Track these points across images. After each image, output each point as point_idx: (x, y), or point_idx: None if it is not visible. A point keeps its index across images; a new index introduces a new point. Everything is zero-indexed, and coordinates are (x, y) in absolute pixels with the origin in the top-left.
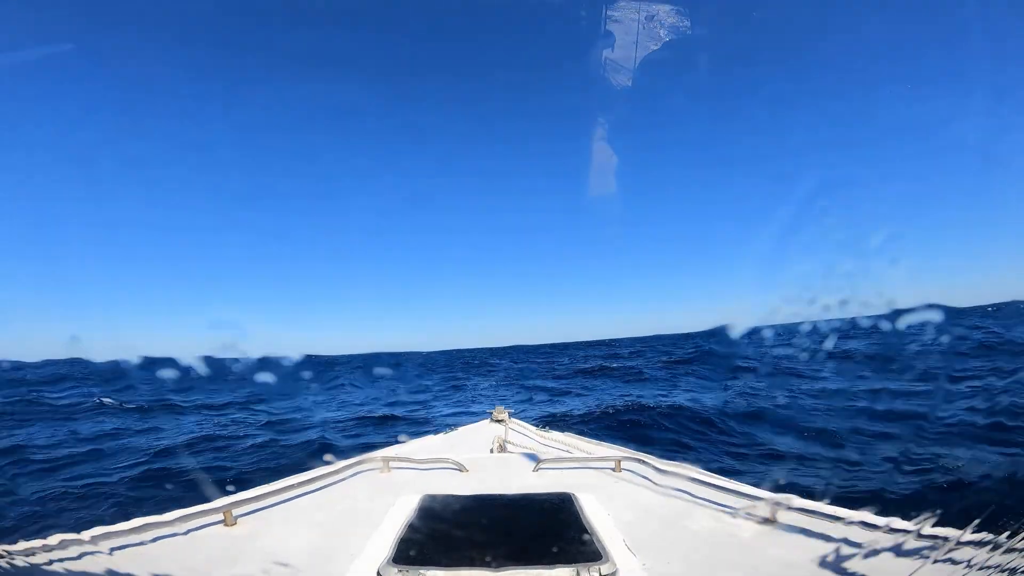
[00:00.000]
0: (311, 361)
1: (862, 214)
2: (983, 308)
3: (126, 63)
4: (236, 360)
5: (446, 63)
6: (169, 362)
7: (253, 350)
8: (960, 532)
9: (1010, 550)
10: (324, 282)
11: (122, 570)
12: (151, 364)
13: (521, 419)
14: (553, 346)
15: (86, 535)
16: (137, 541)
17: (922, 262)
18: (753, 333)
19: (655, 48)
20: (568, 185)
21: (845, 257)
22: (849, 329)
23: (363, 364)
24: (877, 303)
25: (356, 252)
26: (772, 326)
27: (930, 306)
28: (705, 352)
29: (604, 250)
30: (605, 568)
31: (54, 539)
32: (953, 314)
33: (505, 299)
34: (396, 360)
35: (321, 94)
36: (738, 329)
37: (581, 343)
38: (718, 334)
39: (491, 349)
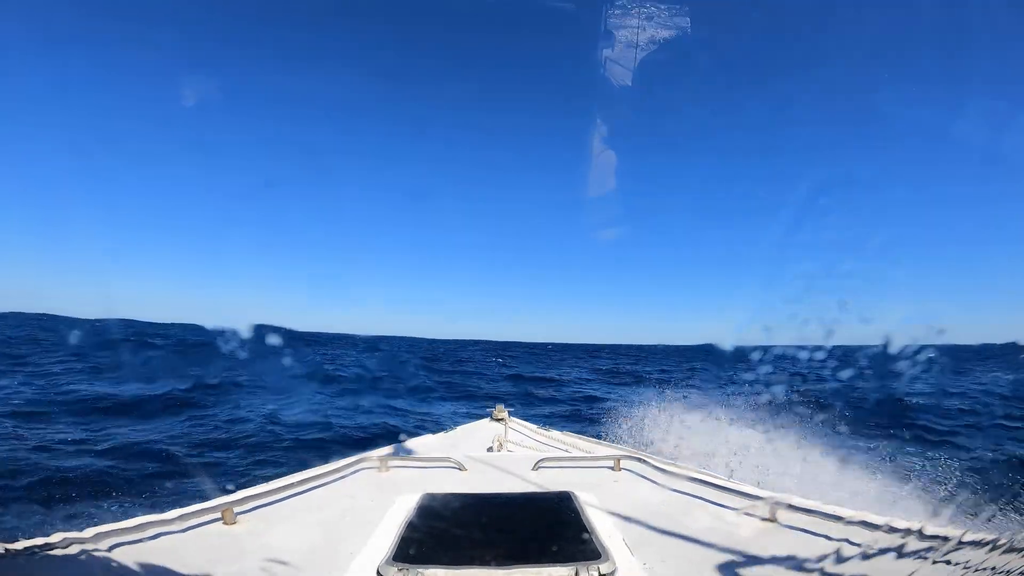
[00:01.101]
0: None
1: (866, 223)
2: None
3: (126, 56)
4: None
5: (444, 61)
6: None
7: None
8: (960, 532)
9: (1010, 550)
10: (319, 270)
11: (123, 568)
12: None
13: (521, 418)
14: (546, 346)
15: (87, 533)
16: (137, 539)
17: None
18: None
19: (656, 48)
20: (566, 184)
21: (852, 276)
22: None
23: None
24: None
25: (353, 247)
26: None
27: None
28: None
29: (601, 250)
30: (604, 567)
31: (55, 537)
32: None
33: (498, 294)
34: (374, 346)
35: (319, 88)
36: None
37: (573, 345)
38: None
39: (480, 342)
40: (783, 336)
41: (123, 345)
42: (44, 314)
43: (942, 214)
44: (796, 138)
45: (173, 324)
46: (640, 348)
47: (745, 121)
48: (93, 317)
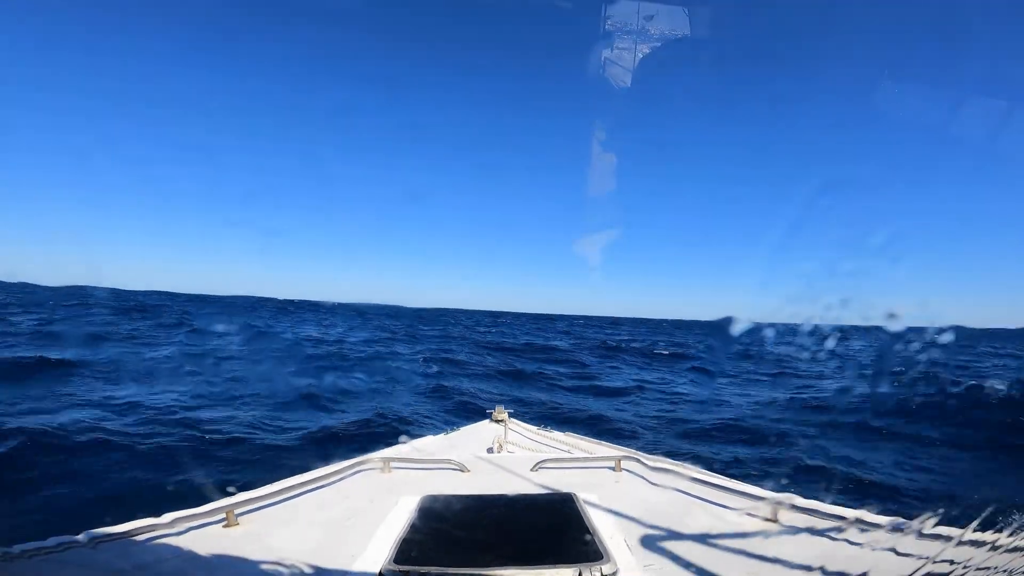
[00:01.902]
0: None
1: (866, 214)
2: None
3: (127, 59)
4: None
5: (444, 61)
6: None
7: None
8: (960, 532)
9: (1010, 550)
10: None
11: (124, 571)
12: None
13: (521, 419)
14: (545, 316)
15: (84, 536)
16: (137, 542)
17: (938, 275)
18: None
19: (655, 48)
20: (566, 183)
21: (849, 259)
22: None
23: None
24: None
25: (356, 248)
26: (772, 324)
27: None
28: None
29: (602, 248)
30: (606, 568)
31: (51, 541)
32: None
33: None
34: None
35: (320, 88)
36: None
37: (569, 316)
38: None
39: (474, 312)
40: (792, 315)
41: (67, 309)
42: (25, 283)
43: (963, 199)
44: (799, 129)
45: (149, 292)
46: (674, 322)
47: (747, 116)
48: (78, 284)
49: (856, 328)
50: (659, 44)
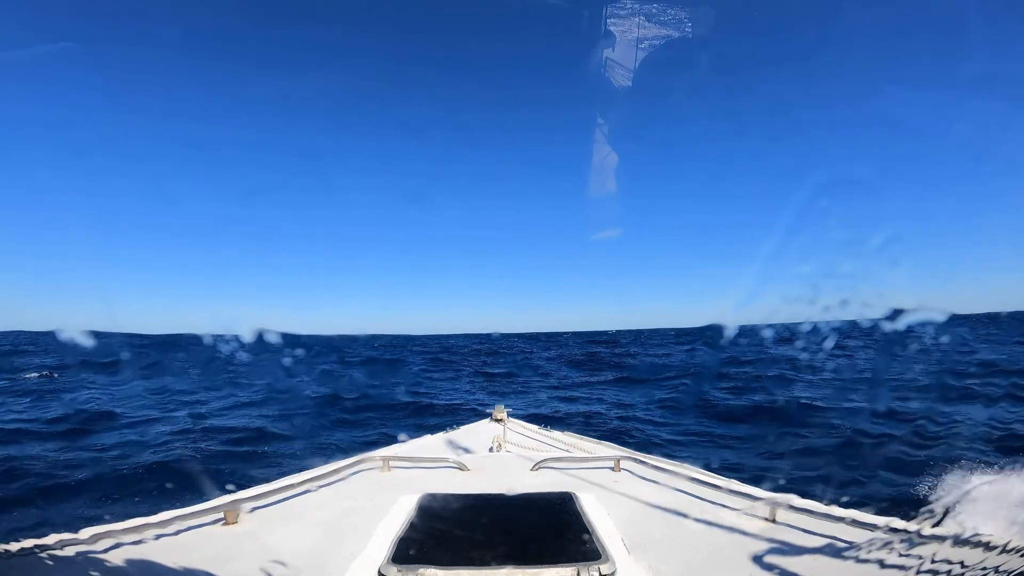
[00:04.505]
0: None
1: (865, 215)
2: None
3: (123, 58)
4: None
5: (444, 61)
6: None
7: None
8: (958, 532)
9: (1006, 551)
10: (318, 272)
11: (123, 569)
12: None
13: (521, 418)
14: (546, 335)
15: (83, 534)
16: (138, 540)
17: (924, 266)
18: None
19: (656, 48)
20: (567, 184)
21: (845, 258)
22: (851, 330)
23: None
24: (878, 305)
25: (355, 250)
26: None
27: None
28: None
29: (603, 248)
30: (605, 567)
31: (50, 539)
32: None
33: (505, 293)
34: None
35: (317, 88)
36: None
37: (576, 333)
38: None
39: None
40: (784, 314)
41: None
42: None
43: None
44: (799, 126)
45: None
46: (654, 332)
47: (748, 116)
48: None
49: (855, 325)
50: (659, 43)
